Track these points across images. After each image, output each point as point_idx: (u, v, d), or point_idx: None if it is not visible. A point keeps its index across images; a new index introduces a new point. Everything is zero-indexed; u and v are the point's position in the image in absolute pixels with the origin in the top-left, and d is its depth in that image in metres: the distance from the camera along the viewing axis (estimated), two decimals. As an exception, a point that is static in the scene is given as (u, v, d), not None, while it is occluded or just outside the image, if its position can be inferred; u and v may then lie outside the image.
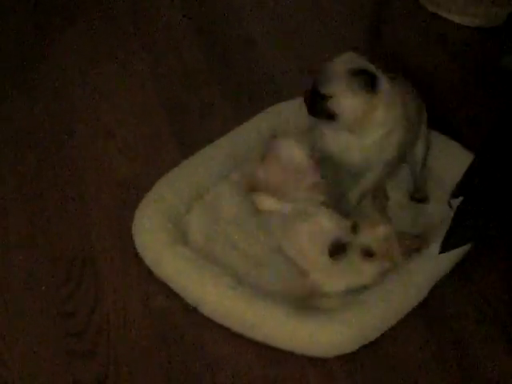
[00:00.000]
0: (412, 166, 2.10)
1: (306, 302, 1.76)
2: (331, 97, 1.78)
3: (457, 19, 2.89)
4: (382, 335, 1.70)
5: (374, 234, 1.75)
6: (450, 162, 2.10)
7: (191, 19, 2.84)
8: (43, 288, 1.79)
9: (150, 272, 1.82)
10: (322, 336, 1.65)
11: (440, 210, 1.93)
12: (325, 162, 1.95)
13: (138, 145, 2.23)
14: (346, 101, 1.79)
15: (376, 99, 1.81)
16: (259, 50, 2.69)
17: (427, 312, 1.78)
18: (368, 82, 1.77)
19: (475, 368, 1.68)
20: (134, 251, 1.86)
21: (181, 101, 2.42)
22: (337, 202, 1.96)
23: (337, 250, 1.73)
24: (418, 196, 2.06)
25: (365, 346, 1.68)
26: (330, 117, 1.81)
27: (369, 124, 1.83)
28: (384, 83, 1.82)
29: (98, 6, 2.89)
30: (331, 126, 1.85)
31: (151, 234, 1.85)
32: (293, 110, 2.19)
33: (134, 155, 2.19)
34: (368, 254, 1.74)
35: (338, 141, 1.89)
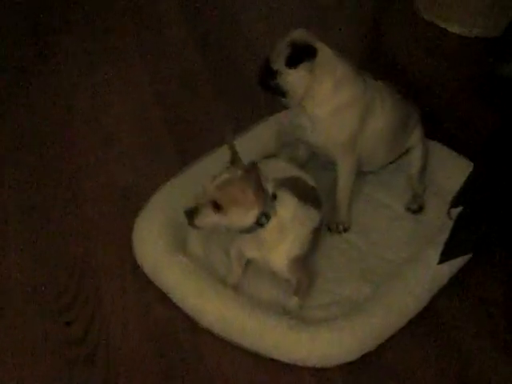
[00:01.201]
0: (409, 174, 2.11)
1: (305, 312, 1.76)
2: (281, 73, 1.80)
3: (455, 29, 2.90)
4: (382, 345, 1.70)
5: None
6: (449, 171, 2.11)
7: (192, 27, 2.85)
8: (43, 298, 1.78)
9: (149, 282, 1.81)
10: (321, 346, 1.64)
11: (439, 220, 1.93)
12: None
13: (138, 154, 2.23)
14: (289, 75, 1.80)
15: (319, 70, 1.80)
16: (260, 57, 2.70)
17: (427, 322, 1.78)
18: (305, 53, 1.77)
19: (475, 379, 1.68)
20: (134, 261, 1.86)
21: (180, 110, 2.43)
22: (331, 217, 1.98)
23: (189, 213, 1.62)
24: (413, 207, 2.06)
25: (364, 356, 1.68)
26: (282, 94, 1.82)
27: (317, 98, 1.83)
28: (325, 55, 1.81)
29: (97, 13, 2.90)
30: (285, 103, 1.86)
31: (151, 244, 1.85)
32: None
33: (133, 164, 2.19)
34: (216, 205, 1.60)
35: (295, 119, 1.91)
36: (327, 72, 1.83)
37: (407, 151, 2.10)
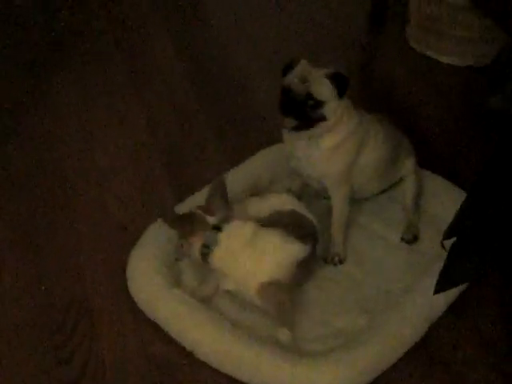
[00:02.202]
0: (403, 204, 2.12)
1: (302, 344, 1.75)
2: (328, 103, 1.85)
3: (445, 59, 2.93)
4: (380, 376, 1.69)
5: None
6: (443, 200, 2.12)
7: (184, 61, 2.88)
8: (38, 335, 1.78)
9: (145, 318, 1.81)
10: (319, 379, 1.63)
11: (434, 250, 1.93)
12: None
13: (132, 189, 2.24)
14: (336, 105, 1.87)
15: (344, 103, 1.90)
16: (251, 91, 2.72)
17: (425, 351, 1.77)
18: (345, 86, 1.87)
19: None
20: (129, 296, 1.85)
21: (175, 144, 2.44)
22: (326, 249, 1.99)
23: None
24: (407, 237, 2.07)
25: (363, 388, 1.67)
26: (313, 124, 1.87)
27: (334, 129, 1.90)
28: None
29: (91, 50, 2.93)
30: (301, 134, 1.90)
31: (146, 278, 1.85)
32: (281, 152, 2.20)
33: (128, 199, 2.19)
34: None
35: (293, 151, 1.96)
36: (343, 104, 1.90)
37: (400, 180, 2.12)
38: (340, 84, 1.86)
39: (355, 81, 2.87)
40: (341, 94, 1.87)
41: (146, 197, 2.21)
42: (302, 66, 1.89)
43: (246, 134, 2.48)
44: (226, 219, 1.79)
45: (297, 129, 1.88)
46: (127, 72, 2.81)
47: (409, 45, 3.03)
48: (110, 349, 1.75)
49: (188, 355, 1.73)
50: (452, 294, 1.82)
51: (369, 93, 2.78)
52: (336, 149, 1.92)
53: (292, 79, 1.88)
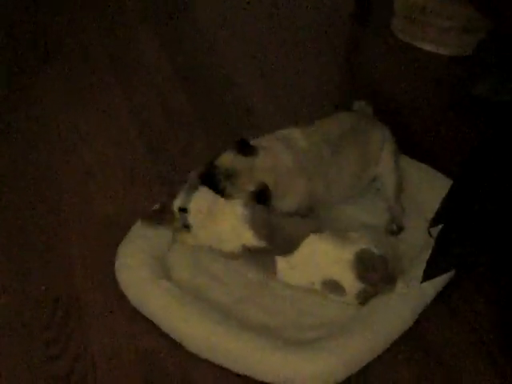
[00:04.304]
0: (384, 197, 2.13)
1: (291, 333, 1.76)
2: None
3: (429, 48, 2.95)
4: (368, 365, 1.70)
5: None
6: (429, 189, 2.12)
7: (170, 57, 2.87)
8: (27, 332, 1.77)
9: (135, 311, 1.81)
10: (307, 367, 1.64)
11: (421, 239, 1.94)
12: None
13: (119, 184, 2.23)
14: None
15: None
16: (238, 87, 2.72)
17: (413, 342, 1.77)
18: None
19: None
20: (118, 290, 1.85)
21: (162, 141, 2.44)
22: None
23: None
24: (391, 228, 2.07)
25: (351, 377, 1.67)
26: None
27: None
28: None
29: (73, 46, 2.91)
30: None
31: (134, 271, 1.85)
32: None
33: (114, 193, 2.19)
34: None
35: None
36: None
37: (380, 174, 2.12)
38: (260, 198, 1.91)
39: (341, 72, 2.91)
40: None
41: (133, 192, 2.20)
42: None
43: (234, 130, 2.48)
44: (188, 198, 1.89)
45: None
46: (113, 69, 2.80)
47: (394, 35, 3.04)
48: (100, 343, 1.74)
49: (178, 348, 1.73)
50: (440, 283, 1.83)
51: (355, 83, 2.79)
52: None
53: (224, 165, 1.92)
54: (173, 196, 1.91)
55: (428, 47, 2.95)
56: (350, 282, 1.78)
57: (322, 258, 1.80)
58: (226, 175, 1.91)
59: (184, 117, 2.56)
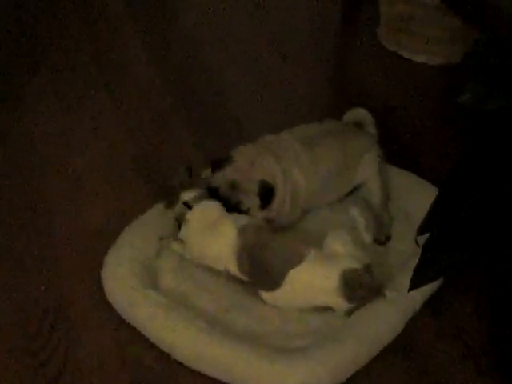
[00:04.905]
0: (371, 206, 2.13)
1: (278, 341, 1.76)
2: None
3: (417, 58, 2.96)
4: (356, 373, 1.70)
5: None
6: (417, 198, 2.12)
7: (157, 64, 2.87)
8: (15, 340, 1.76)
9: (122, 320, 1.80)
10: (294, 376, 1.64)
11: (409, 247, 1.94)
12: None
13: (108, 193, 2.22)
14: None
15: None
16: (226, 90, 2.73)
17: (401, 349, 1.78)
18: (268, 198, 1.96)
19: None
20: (106, 299, 1.85)
21: (151, 145, 2.44)
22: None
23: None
24: (379, 237, 2.07)
25: (339, 385, 1.68)
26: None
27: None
28: None
29: (60, 55, 2.90)
30: None
31: (121, 281, 1.84)
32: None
33: (103, 202, 2.18)
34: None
35: None
36: None
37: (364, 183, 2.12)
38: (264, 196, 1.92)
39: (328, 82, 2.92)
40: (263, 205, 1.94)
41: (121, 199, 2.20)
42: (233, 168, 1.93)
43: (222, 132, 2.48)
44: (200, 199, 1.89)
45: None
46: (100, 75, 2.80)
47: (381, 45, 3.06)
48: (87, 353, 1.74)
49: (165, 357, 1.73)
50: (428, 290, 1.83)
51: (342, 93, 2.80)
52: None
53: (220, 182, 1.94)
54: (183, 186, 1.92)
55: (415, 57, 2.96)
56: (339, 305, 1.78)
57: (307, 290, 1.79)
58: (231, 186, 1.93)
59: (172, 120, 2.56)
